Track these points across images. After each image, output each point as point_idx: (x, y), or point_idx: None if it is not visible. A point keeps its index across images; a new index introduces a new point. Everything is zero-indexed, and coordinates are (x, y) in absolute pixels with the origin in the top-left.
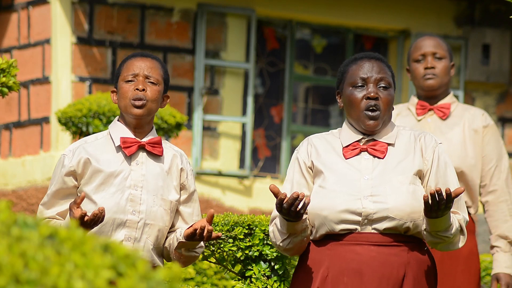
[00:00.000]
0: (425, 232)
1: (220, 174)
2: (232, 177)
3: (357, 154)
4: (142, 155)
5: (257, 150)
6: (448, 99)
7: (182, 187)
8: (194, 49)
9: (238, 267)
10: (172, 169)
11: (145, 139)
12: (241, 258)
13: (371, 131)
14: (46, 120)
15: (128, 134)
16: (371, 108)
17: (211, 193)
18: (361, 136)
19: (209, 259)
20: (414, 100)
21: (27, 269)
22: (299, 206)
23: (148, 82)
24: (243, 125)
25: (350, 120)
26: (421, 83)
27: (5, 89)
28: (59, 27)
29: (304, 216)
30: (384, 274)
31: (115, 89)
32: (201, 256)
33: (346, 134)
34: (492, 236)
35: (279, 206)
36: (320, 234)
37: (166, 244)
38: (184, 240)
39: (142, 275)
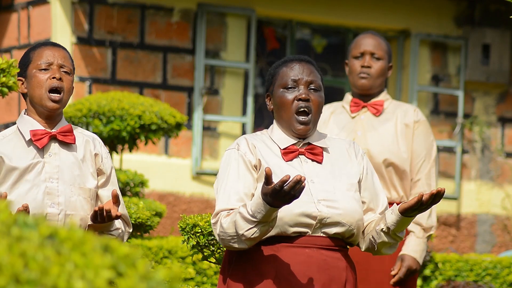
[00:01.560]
0: (382, 233)
1: None
2: None
3: (295, 157)
4: (55, 146)
5: None
6: (382, 97)
7: (99, 172)
8: (194, 49)
9: None
10: (86, 156)
11: (55, 129)
12: None
13: (302, 135)
14: None
15: (38, 126)
16: (302, 110)
17: (211, 193)
18: (297, 140)
19: (209, 259)
20: (349, 97)
21: (27, 269)
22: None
23: (63, 71)
24: (243, 125)
25: (281, 122)
26: (355, 80)
27: (5, 89)
28: (59, 27)
29: None
30: (334, 277)
31: (21, 78)
32: (201, 256)
33: (280, 136)
34: None
35: (279, 188)
36: (269, 235)
37: None
38: (91, 223)
39: (142, 275)
